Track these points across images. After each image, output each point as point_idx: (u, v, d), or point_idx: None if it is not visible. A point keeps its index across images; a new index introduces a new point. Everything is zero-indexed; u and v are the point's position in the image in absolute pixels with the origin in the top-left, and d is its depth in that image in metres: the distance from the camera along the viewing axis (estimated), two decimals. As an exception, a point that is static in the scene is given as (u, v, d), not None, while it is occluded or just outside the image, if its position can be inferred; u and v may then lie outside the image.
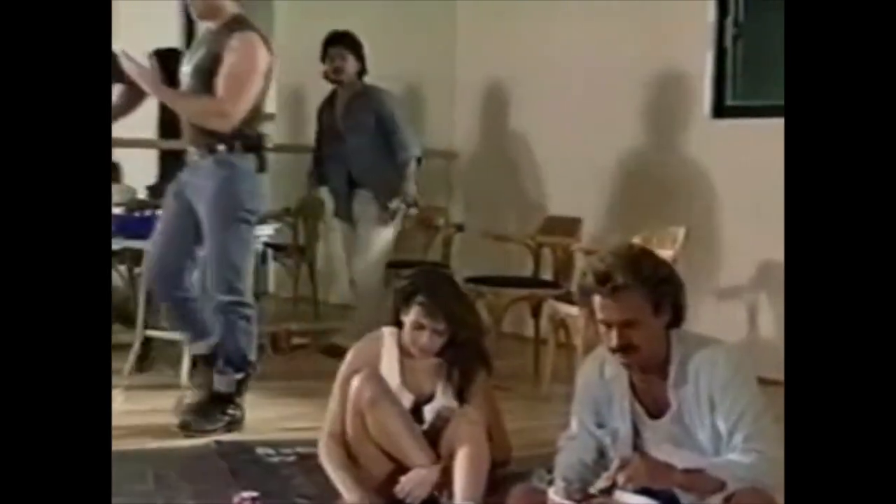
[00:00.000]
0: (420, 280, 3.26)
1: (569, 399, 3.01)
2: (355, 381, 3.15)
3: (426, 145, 6.94)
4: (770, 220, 5.31)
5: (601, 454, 2.89)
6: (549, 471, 2.90)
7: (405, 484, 3.09)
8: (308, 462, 3.78)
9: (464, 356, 3.22)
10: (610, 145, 6.29)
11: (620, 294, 2.65)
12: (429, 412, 3.21)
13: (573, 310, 4.77)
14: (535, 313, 5.77)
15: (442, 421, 3.20)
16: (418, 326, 3.17)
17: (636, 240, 5.12)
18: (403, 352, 3.23)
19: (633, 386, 2.83)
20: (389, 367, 3.22)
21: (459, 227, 6.53)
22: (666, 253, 4.87)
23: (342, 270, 7.60)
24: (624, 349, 2.70)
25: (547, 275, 5.99)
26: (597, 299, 2.69)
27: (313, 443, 4.04)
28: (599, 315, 2.71)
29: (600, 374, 2.87)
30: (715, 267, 5.72)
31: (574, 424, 2.94)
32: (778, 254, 5.11)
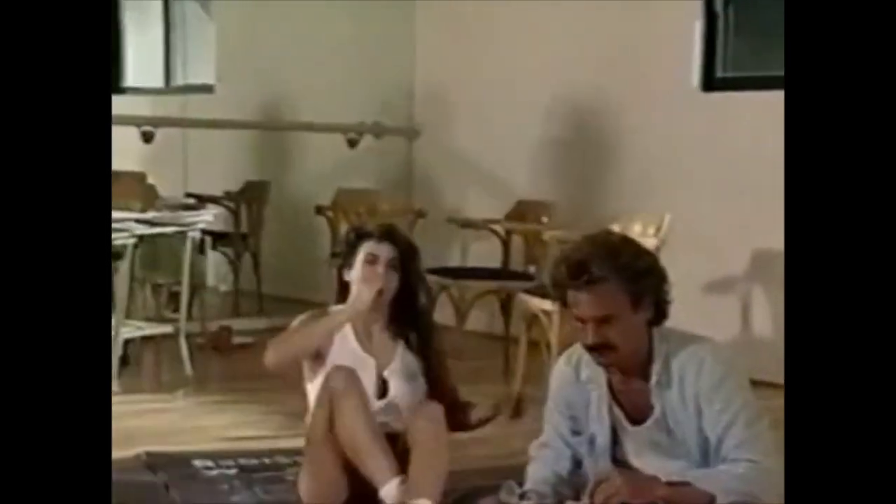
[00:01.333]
0: (364, 228, 3.50)
1: (542, 403, 3.02)
2: (328, 373, 3.24)
3: (384, 121, 6.94)
4: (766, 205, 5.35)
5: (577, 464, 2.90)
6: (520, 484, 2.90)
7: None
8: (251, 476, 3.78)
9: (413, 312, 3.39)
10: (587, 123, 6.29)
11: (596, 287, 2.66)
12: (392, 377, 3.32)
13: (547, 304, 4.77)
14: (505, 308, 5.77)
15: (399, 412, 3.29)
16: (371, 260, 3.33)
17: (615, 226, 5.15)
18: (358, 321, 3.36)
19: (611, 388, 2.83)
20: (344, 337, 3.33)
21: (421, 213, 6.51)
22: (649, 241, 4.85)
23: (290, 261, 7.57)
24: (600, 348, 2.71)
25: (518, 265, 5.99)
26: (571, 293, 2.71)
27: (257, 454, 4.00)
28: (573, 310, 2.72)
29: (576, 375, 2.89)
30: (703, 256, 5.72)
31: (547, 431, 2.95)
32: (774, 241, 5.21)
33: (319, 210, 6.55)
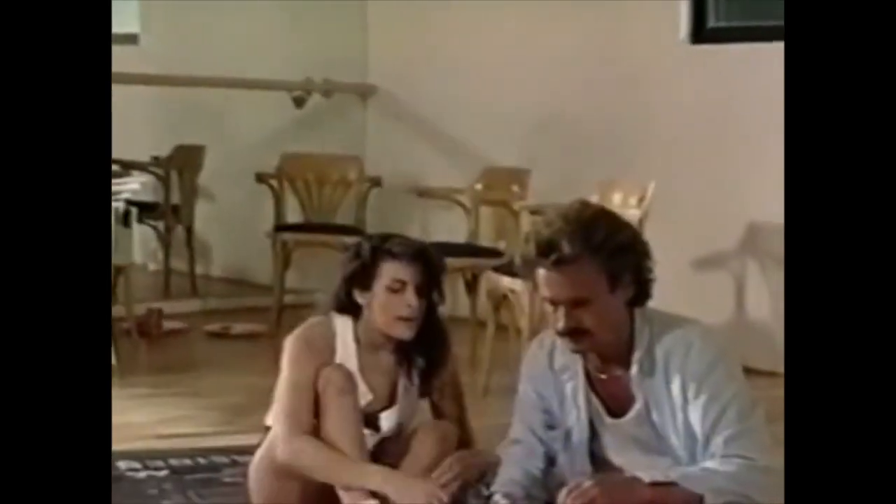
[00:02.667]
0: (376, 238, 3.26)
1: (511, 394, 3.01)
2: (325, 371, 3.15)
3: (334, 78, 6.90)
4: (763, 172, 5.39)
5: (551, 462, 2.90)
6: (487, 485, 2.90)
7: None
8: (183, 478, 3.77)
9: (432, 337, 3.22)
10: (563, 80, 6.29)
11: (567, 267, 2.67)
12: (387, 420, 3.24)
13: (518, 284, 4.79)
14: (471, 288, 5.79)
15: (402, 432, 3.24)
16: (398, 287, 3.14)
17: (594, 197, 5.13)
18: (361, 343, 3.23)
19: (589, 377, 2.84)
20: (347, 360, 3.22)
21: (376, 182, 6.52)
22: (631, 212, 4.91)
23: (228, 236, 7.53)
24: (573, 333, 2.72)
25: (486, 240, 6.00)
26: (540, 272, 2.71)
27: (191, 454, 3.97)
28: (543, 292, 2.72)
29: (549, 362, 2.89)
30: (692, 229, 5.75)
31: (517, 426, 2.95)
32: (772, 213, 5.23)
33: (261, 178, 6.52)
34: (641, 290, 2.77)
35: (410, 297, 3.15)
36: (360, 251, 3.19)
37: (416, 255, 3.17)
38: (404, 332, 3.17)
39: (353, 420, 3.12)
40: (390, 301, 3.15)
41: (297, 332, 3.25)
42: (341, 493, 3.09)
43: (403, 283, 3.15)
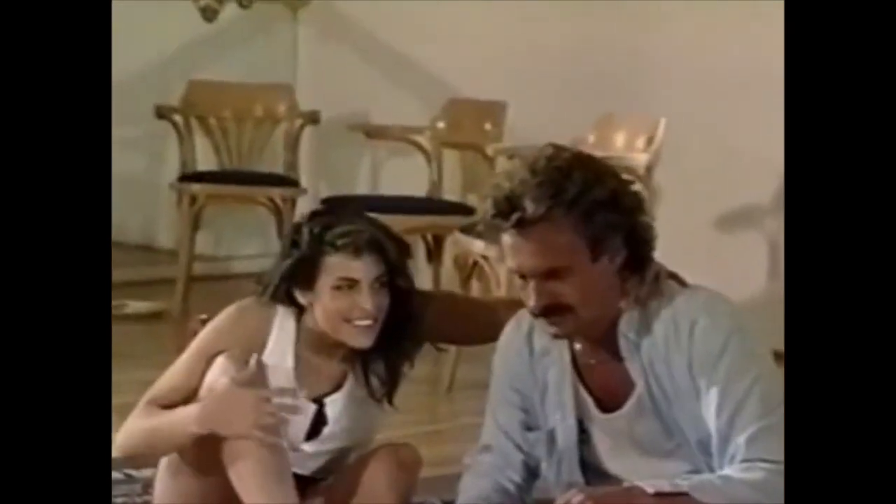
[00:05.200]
0: (316, 222, 3.21)
1: (482, 390, 3.02)
2: (219, 361, 3.16)
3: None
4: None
5: (531, 473, 2.91)
6: (448, 503, 2.95)
7: None
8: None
9: (397, 337, 3.21)
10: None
11: (533, 229, 2.69)
12: (333, 406, 3.24)
13: (492, 249, 4.76)
14: (434, 254, 5.82)
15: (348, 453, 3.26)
16: (347, 283, 3.13)
17: (591, 137, 5.24)
18: (306, 344, 3.25)
19: (577, 365, 2.85)
20: (279, 359, 3.23)
21: (312, 118, 6.52)
22: (637, 157, 5.03)
23: (121, 187, 7.53)
24: (550, 312, 2.73)
25: (452, 194, 6.05)
26: (504, 237, 2.72)
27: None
28: (508, 261, 2.75)
29: (529, 348, 2.90)
30: (714, 178, 5.76)
31: (489, 428, 2.96)
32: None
33: (162, 112, 6.51)
34: (636, 255, 2.77)
35: (364, 298, 3.12)
36: (298, 241, 3.17)
37: (367, 245, 3.13)
38: (359, 340, 3.15)
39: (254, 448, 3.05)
40: (339, 303, 3.13)
41: (231, 306, 3.26)
42: None
43: (354, 282, 3.13)
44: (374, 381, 3.22)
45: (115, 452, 3.11)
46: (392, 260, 3.15)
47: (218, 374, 3.12)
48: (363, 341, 3.13)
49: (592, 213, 2.69)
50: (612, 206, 2.72)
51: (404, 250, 3.22)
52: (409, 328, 3.21)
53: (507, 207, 2.68)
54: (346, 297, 3.11)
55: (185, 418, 3.08)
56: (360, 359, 3.21)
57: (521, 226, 2.67)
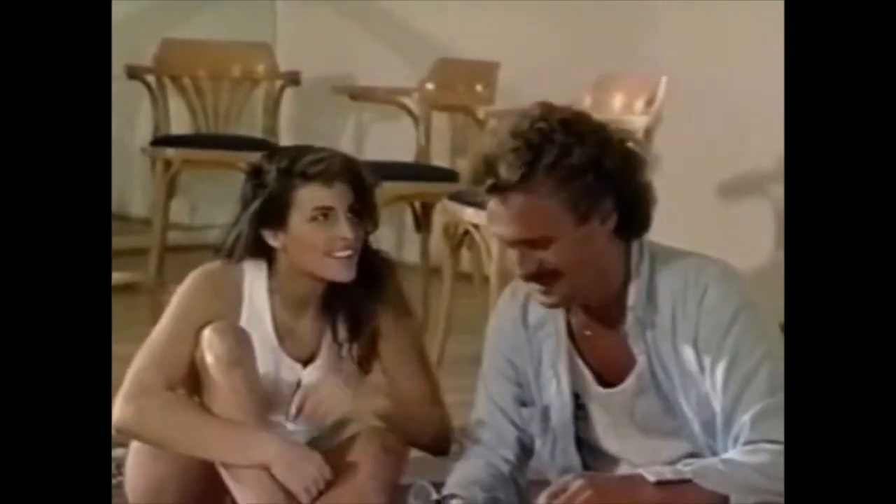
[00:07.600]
0: (281, 157, 3.28)
1: (474, 364, 3.07)
2: (207, 333, 3.20)
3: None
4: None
5: (525, 451, 2.96)
6: (439, 485, 2.93)
7: None
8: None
9: (365, 282, 3.25)
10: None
11: (510, 195, 2.72)
12: (310, 376, 3.29)
13: (483, 217, 4.79)
14: (422, 223, 5.80)
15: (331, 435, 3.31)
16: (323, 213, 3.19)
17: (587, 99, 5.17)
18: (278, 298, 3.30)
19: (573, 337, 2.88)
20: (258, 324, 3.28)
21: (292, 79, 6.55)
22: (636, 119, 4.95)
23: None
24: (538, 277, 2.76)
25: (441, 159, 6.04)
26: (488, 204, 2.77)
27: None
28: (491, 228, 2.80)
29: (523, 320, 2.94)
30: (720, 140, 5.79)
31: (481, 405, 3.01)
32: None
33: (133, 72, 6.51)
34: (630, 218, 2.79)
35: (343, 227, 3.18)
36: (264, 178, 3.22)
37: (340, 171, 3.21)
38: (341, 273, 3.20)
39: (244, 404, 3.15)
40: (316, 236, 3.19)
41: (195, 272, 3.29)
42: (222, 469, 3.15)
43: (329, 210, 3.18)
44: (343, 334, 3.28)
45: (117, 423, 3.16)
46: (365, 186, 3.24)
47: (205, 350, 3.18)
48: (345, 274, 3.20)
49: (572, 177, 2.71)
50: (594, 169, 2.73)
51: (374, 183, 3.30)
52: (376, 267, 3.27)
53: (483, 172, 2.72)
54: (323, 229, 3.19)
55: (247, 445, 3.15)
56: (329, 313, 3.28)
57: (498, 191, 2.71)
